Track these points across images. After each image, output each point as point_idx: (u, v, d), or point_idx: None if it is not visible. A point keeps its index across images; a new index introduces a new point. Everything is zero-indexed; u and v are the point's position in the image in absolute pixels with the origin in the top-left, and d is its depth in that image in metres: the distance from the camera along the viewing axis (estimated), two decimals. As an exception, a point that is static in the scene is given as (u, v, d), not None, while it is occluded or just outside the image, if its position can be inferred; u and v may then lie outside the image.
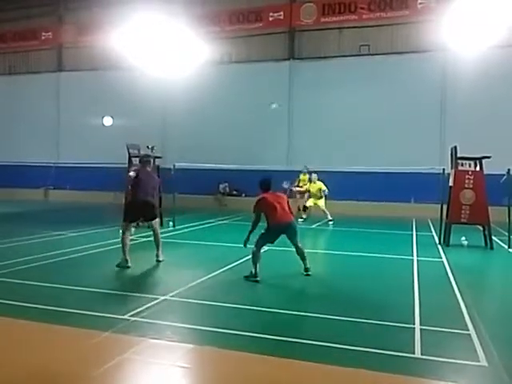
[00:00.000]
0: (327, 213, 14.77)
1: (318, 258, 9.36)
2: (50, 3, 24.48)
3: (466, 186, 10.65)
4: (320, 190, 15.00)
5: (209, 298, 5.95)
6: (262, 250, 7.15)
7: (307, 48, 20.60)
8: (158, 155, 13.66)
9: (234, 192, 20.97)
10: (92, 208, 19.21)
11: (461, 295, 6.27)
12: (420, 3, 18.60)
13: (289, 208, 7.25)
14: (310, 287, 6.87)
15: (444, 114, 18.50)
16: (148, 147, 13.49)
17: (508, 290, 7.26)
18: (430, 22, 18.04)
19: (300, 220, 14.36)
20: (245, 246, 7.12)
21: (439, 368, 3.98)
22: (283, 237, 7.22)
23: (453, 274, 7.63)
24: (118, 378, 3.83)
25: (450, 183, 11.11)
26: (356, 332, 4.84)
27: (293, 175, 16.85)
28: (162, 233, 8.89)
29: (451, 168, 11.28)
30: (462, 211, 10.66)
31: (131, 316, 5.11)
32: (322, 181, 15.25)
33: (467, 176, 10.69)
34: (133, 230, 9.33)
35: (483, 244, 10.70)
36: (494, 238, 10.76)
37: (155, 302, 5.72)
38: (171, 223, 12.87)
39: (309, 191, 15.39)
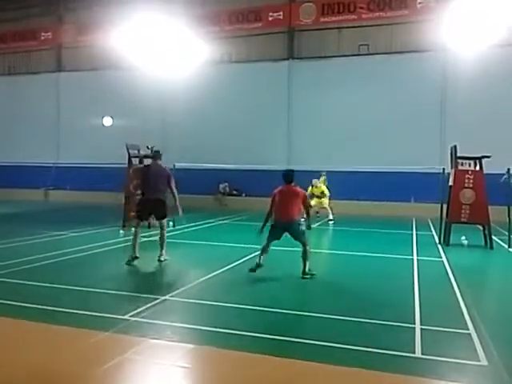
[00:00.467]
0: (330, 211, 15.29)
1: (319, 258, 9.35)
2: (50, 3, 24.47)
3: (466, 185, 10.65)
4: (322, 192, 15.54)
5: (209, 297, 5.94)
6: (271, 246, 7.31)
7: (307, 48, 20.60)
8: (158, 155, 13.62)
9: (234, 192, 20.98)
10: (92, 208, 19.20)
11: (461, 295, 6.27)
12: (419, 3, 18.56)
13: (304, 206, 7.26)
14: (311, 287, 6.87)
15: (444, 113, 18.49)
16: (148, 147, 13.45)
17: (508, 290, 7.25)
18: (430, 22, 18.01)
19: (330, 222, 15.00)
20: (260, 233, 7.26)
21: (439, 367, 3.98)
22: (290, 237, 7.29)
23: (453, 274, 7.63)
24: (118, 377, 3.83)
25: (450, 183, 11.10)
26: (357, 332, 4.84)
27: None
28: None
29: (451, 167, 11.28)
30: (462, 211, 10.66)
31: (131, 316, 5.10)
32: (327, 186, 15.74)
33: (467, 175, 10.69)
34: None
35: (483, 243, 10.70)
36: (493, 237, 10.76)
37: (155, 301, 5.71)
38: (171, 223, 12.84)
39: (313, 194, 15.61)
